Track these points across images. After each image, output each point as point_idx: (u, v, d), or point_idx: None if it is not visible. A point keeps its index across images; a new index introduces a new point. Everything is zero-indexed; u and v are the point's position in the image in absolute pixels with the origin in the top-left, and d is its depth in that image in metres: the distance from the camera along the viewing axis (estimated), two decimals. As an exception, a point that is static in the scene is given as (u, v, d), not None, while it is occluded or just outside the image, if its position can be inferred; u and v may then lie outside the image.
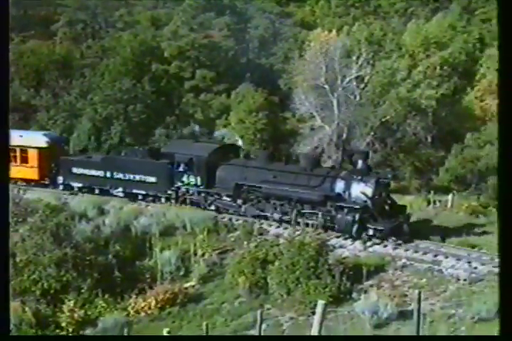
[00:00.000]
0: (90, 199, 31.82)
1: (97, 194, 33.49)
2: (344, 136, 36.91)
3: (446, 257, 24.43)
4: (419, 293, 11.99)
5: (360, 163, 27.16)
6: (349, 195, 27.02)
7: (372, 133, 35.50)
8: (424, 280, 22.84)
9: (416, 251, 25.03)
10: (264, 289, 23.01)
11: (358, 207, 26.31)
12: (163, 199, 31.87)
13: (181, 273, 25.07)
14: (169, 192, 31.46)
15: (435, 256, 24.64)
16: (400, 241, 25.74)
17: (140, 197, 32.53)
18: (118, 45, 50.00)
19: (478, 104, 35.06)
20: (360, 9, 65.21)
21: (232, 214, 29.81)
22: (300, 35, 49.87)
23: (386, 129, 35.66)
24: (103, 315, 21.91)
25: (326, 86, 37.53)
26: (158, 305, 22.32)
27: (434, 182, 31.16)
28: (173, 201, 31.25)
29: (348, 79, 36.97)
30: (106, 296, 22.83)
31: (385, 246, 25.72)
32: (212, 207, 30.32)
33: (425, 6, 54.35)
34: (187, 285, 24.26)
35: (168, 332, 14.76)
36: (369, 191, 26.53)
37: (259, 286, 23.02)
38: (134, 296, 22.94)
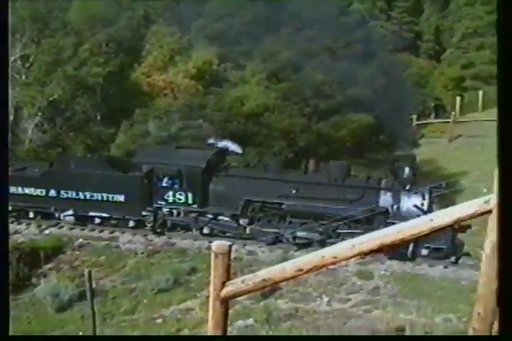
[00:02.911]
0: None
1: (32, 218, 25.62)
2: (11, 117, 35.46)
3: (123, 233, 24.75)
4: (89, 272, 11.87)
5: (407, 170, 22.81)
6: (398, 209, 22.54)
7: (40, 114, 34.44)
8: (103, 257, 22.92)
9: (92, 230, 25.00)
10: None
11: None
12: (131, 223, 24.89)
13: None
14: (144, 213, 24.63)
15: (112, 232, 24.82)
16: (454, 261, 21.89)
17: (97, 221, 25.18)
18: None
19: (146, 80, 35.61)
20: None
21: (232, 237, 23.49)
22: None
23: (54, 108, 34.77)
24: None
25: (-13, 65, 35.72)
26: None
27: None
28: (148, 225, 24.72)
29: (12, 59, 35.45)
30: None
31: (61, 227, 25.24)
32: (206, 231, 24.35)
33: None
34: None
35: None
36: (425, 204, 22.43)
37: None
38: None
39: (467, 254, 22.23)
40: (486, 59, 50.79)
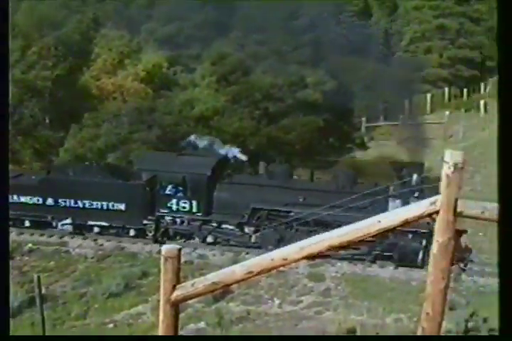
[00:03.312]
0: None
1: (28, 227, 24.82)
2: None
3: (73, 238, 24.45)
4: (38, 278, 11.73)
5: (414, 177, 22.25)
6: None
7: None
8: (53, 262, 22.63)
9: (42, 234, 24.62)
10: None
11: (425, 230, 20.53)
12: (132, 232, 24.21)
13: None
14: (145, 222, 23.92)
15: (61, 237, 24.51)
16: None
17: (96, 230, 24.45)
18: None
19: (95, 84, 35.26)
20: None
21: (236, 246, 23.61)
22: None
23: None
24: None
25: None
26: None
27: (55, 163, 30.73)
28: (149, 234, 23.99)
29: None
30: None
31: (22, 233, 24.69)
32: (210, 239, 23.84)
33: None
34: None
35: None
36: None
37: None
38: None
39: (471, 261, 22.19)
40: (433, 62, 51.65)
